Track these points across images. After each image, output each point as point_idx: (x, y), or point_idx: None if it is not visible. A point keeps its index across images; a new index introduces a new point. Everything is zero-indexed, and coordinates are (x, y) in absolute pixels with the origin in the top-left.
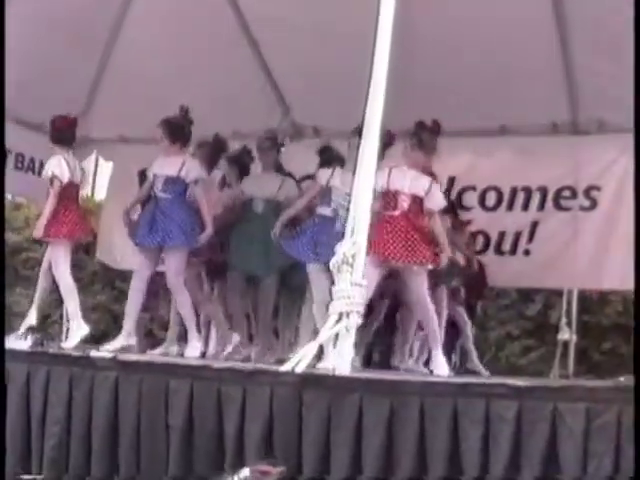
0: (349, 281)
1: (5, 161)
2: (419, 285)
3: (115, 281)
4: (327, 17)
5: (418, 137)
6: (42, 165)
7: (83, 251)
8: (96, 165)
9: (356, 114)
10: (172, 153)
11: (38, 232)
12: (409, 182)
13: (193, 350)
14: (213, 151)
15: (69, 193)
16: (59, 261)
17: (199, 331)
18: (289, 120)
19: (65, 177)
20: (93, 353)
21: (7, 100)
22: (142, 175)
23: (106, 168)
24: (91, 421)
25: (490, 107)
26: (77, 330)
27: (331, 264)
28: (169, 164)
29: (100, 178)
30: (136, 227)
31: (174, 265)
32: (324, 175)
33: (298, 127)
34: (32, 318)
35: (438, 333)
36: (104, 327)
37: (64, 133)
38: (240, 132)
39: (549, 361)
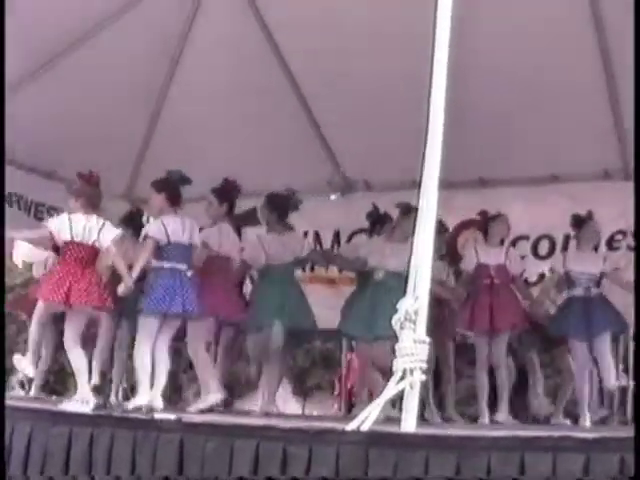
0: (412, 338)
1: (4, 165)
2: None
3: None
4: (376, 71)
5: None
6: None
7: None
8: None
9: (406, 167)
10: None
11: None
12: (81, 230)
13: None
14: None
15: None
16: None
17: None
18: (340, 175)
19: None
20: (158, 415)
21: (56, 163)
22: None
23: None
24: None
25: (542, 156)
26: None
27: (393, 321)
28: None
29: None
30: None
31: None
32: None
33: (349, 181)
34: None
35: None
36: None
37: None
38: (291, 188)
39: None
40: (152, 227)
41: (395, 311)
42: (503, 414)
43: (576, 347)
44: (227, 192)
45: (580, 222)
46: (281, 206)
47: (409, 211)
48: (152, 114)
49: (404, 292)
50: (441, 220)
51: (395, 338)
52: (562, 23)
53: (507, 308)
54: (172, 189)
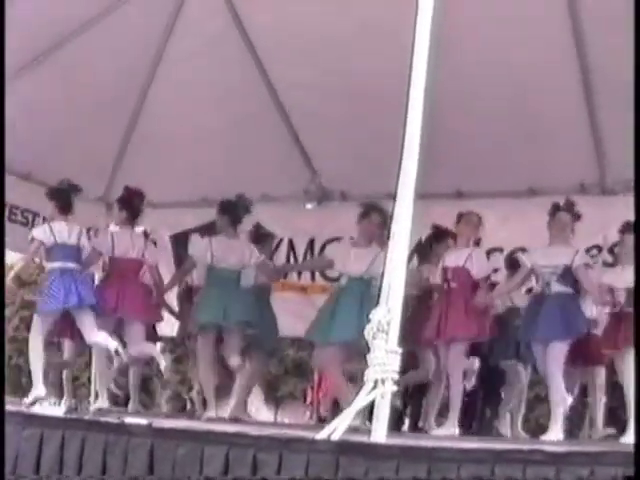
0: (384, 348)
1: (4, 170)
2: None
3: None
4: (356, 81)
5: None
6: None
7: None
8: None
9: (383, 178)
10: None
11: None
12: None
13: None
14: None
15: None
16: None
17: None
18: (317, 184)
19: None
20: (128, 420)
21: (37, 167)
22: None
23: None
24: None
25: (519, 169)
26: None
27: (365, 331)
28: None
29: None
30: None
31: None
32: None
33: (326, 191)
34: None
35: None
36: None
37: None
38: (268, 195)
39: (578, 422)
40: (38, 230)
41: (359, 318)
42: (451, 428)
43: (538, 353)
44: (128, 200)
45: (554, 210)
46: (231, 210)
47: (369, 211)
48: (131, 118)
49: (367, 297)
50: (445, 229)
51: (350, 345)
52: (541, 39)
53: (458, 316)
54: (61, 198)
